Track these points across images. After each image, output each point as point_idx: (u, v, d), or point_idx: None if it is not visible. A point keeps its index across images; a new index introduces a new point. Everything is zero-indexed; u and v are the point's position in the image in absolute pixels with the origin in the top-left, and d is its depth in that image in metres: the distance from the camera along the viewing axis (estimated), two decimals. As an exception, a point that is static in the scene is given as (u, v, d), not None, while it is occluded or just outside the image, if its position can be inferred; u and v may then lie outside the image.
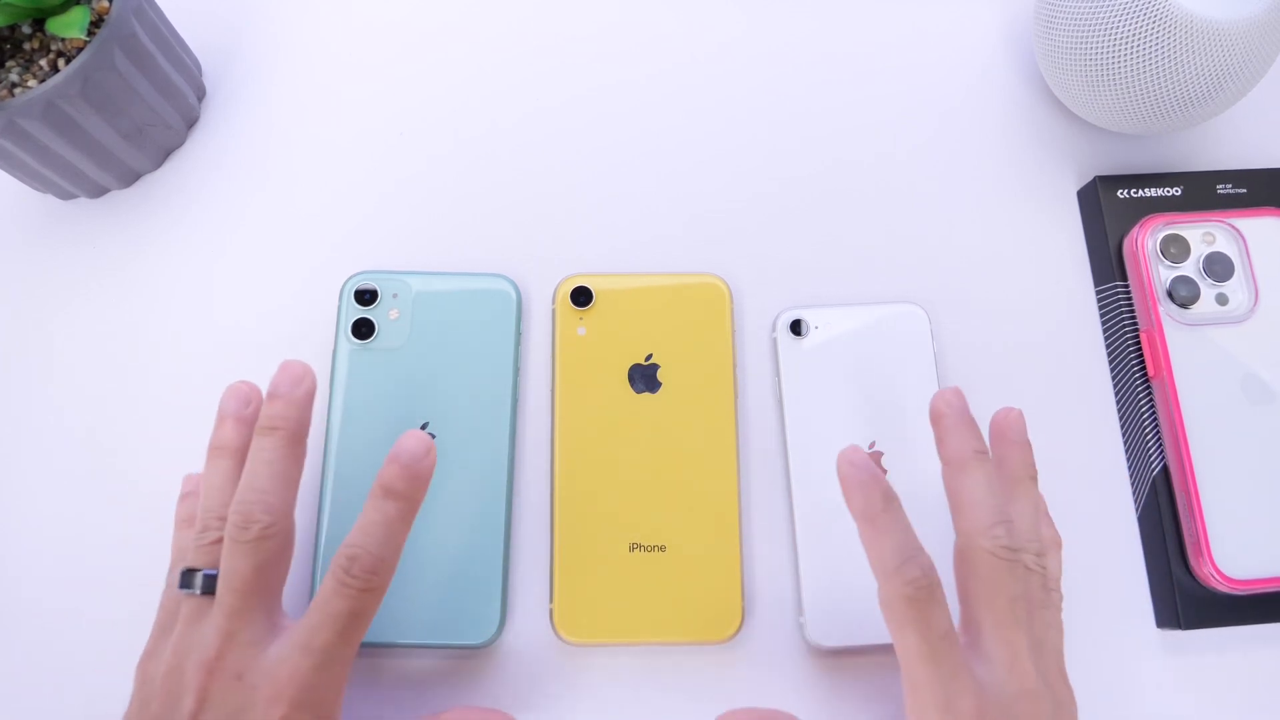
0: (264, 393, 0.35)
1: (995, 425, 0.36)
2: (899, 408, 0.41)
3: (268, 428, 0.33)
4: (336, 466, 0.40)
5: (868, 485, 0.31)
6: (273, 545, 0.31)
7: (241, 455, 0.34)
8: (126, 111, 0.42)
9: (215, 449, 0.35)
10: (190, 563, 0.33)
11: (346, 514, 0.39)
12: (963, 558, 0.32)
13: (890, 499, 0.31)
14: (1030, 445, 0.35)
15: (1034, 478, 0.35)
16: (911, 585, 0.30)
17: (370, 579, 0.31)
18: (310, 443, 0.40)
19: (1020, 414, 0.36)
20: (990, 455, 0.34)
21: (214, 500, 0.33)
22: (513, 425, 0.41)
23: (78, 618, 0.39)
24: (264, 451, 0.33)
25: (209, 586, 0.32)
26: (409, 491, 0.32)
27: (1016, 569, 0.31)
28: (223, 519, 0.33)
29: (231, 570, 0.31)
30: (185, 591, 0.32)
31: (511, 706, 0.38)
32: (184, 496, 0.38)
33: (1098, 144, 0.47)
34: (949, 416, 0.34)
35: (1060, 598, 0.34)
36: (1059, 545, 0.36)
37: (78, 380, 0.43)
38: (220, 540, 0.32)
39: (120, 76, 0.40)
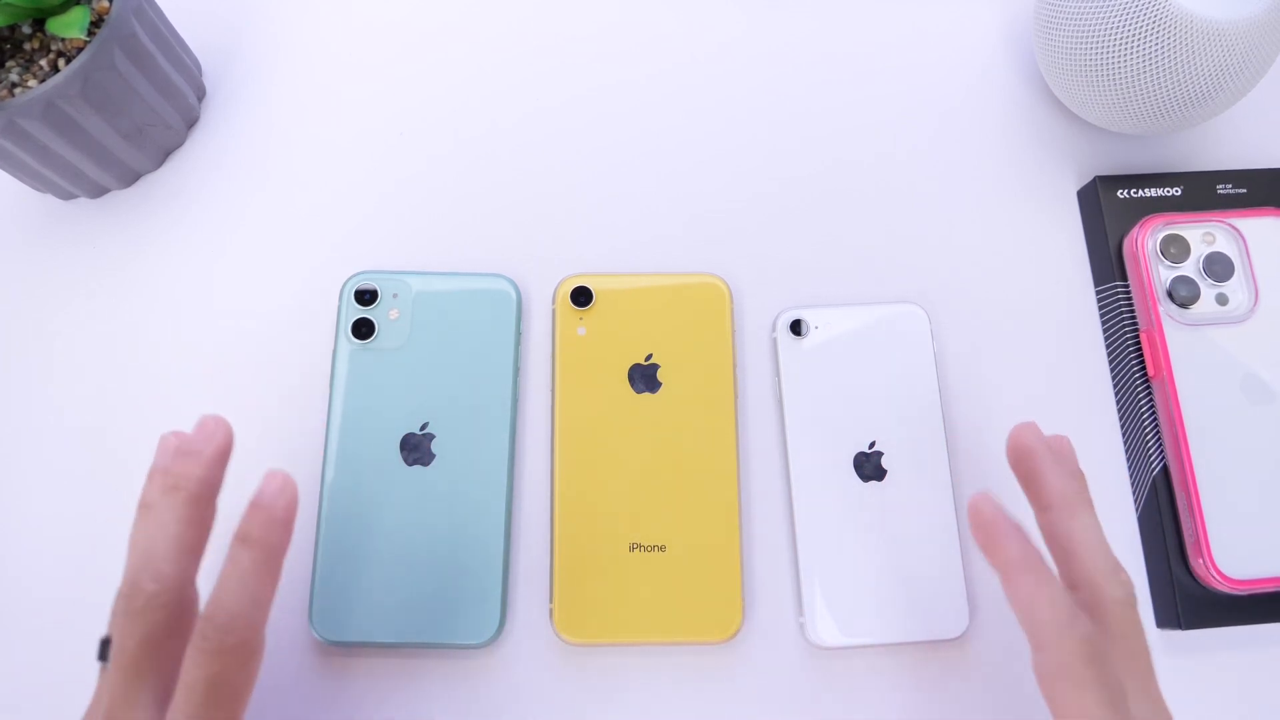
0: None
1: (1015, 449, 0.33)
2: (899, 408, 0.41)
3: (170, 487, 0.30)
4: (336, 467, 0.40)
5: (1019, 533, 0.29)
6: (161, 616, 0.28)
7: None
8: (126, 111, 0.42)
9: (142, 506, 0.31)
10: (107, 632, 0.30)
11: (345, 516, 0.39)
12: (1093, 609, 0.29)
13: (1039, 554, 0.29)
14: (1085, 476, 0.33)
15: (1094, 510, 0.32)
16: (1089, 644, 0.27)
17: (224, 638, 0.27)
18: (310, 443, 0.41)
19: (1069, 441, 0.33)
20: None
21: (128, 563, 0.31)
22: (513, 425, 0.41)
23: (78, 618, 0.39)
24: (161, 513, 0.30)
25: (104, 654, 0.30)
26: (264, 537, 0.29)
27: (1135, 615, 0.29)
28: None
29: (117, 643, 0.29)
30: (100, 664, 0.30)
31: (511, 706, 0.38)
32: (153, 473, 0.33)
33: (1098, 144, 0.47)
34: (1043, 454, 0.31)
35: None
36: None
37: (78, 380, 0.43)
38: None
39: (120, 76, 0.40)
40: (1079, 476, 0.32)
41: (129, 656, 0.28)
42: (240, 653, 0.28)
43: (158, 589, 0.29)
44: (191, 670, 0.28)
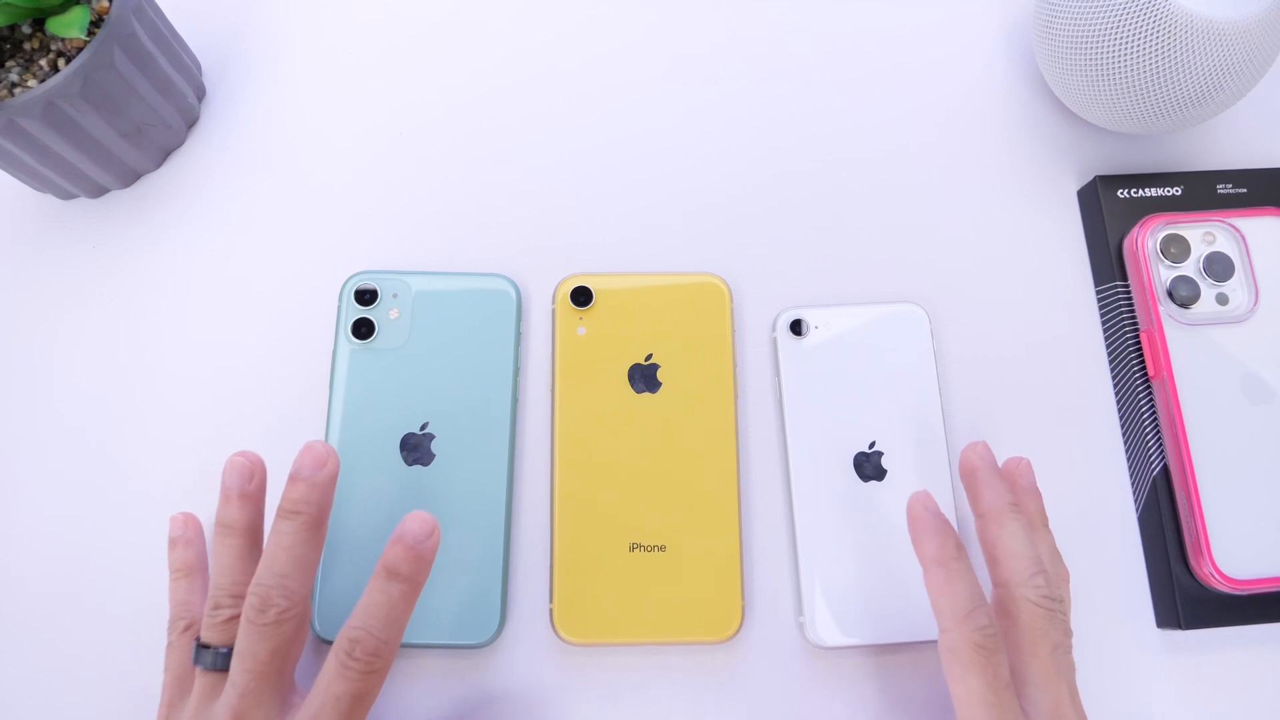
0: (264, 465, 0.36)
1: (1008, 474, 0.37)
2: (899, 408, 0.41)
3: (290, 511, 0.33)
4: (336, 466, 0.40)
5: (943, 531, 0.33)
6: (289, 629, 0.32)
7: (250, 533, 0.35)
8: (126, 111, 0.42)
9: (223, 526, 0.35)
10: (205, 638, 0.33)
11: (346, 516, 0.39)
12: (1004, 609, 0.33)
13: (961, 548, 0.33)
14: (1040, 492, 0.37)
15: (1047, 525, 0.37)
16: (980, 633, 0.31)
17: (373, 661, 0.31)
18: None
19: (1029, 462, 0.38)
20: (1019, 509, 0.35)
21: (226, 578, 0.34)
22: (513, 425, 0.41)
23: (79, 618, 0.39)
24: (285, 535, 0.32)
25: (222, 664, 0.32)
26: (412, 573, 0.32)
27: (1057, 618, 0.32)
28: (236, 597, 0.33)
29: (247, 652, 0.31)
30: (199, 667, 0.33)
31: (511, 706, 0.38)
32: (174, 542, 0.38)
33: (1098, 144, 0.47)
34: (982, 471, 0.35)
35: (1071, 633, 0.35)
36: (1068, 580, 0.37)
37: (78, 380, 0.43)
38: (234, 618, 0.33)
39: (120, 76, 0.40)
40: (1030, 492, 0.37)
41: (258, 663, 0.31)
42: (382, 675, 0.31)
43: (288, 604, 0.32)
44: (338, 685, 0.31)
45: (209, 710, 0.32)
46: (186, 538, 0.38)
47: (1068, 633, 0.33)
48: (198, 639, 0.33)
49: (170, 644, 0.36)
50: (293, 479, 0.33)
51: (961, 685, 0.31)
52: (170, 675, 0.35)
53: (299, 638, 0.33)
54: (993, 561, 0.34)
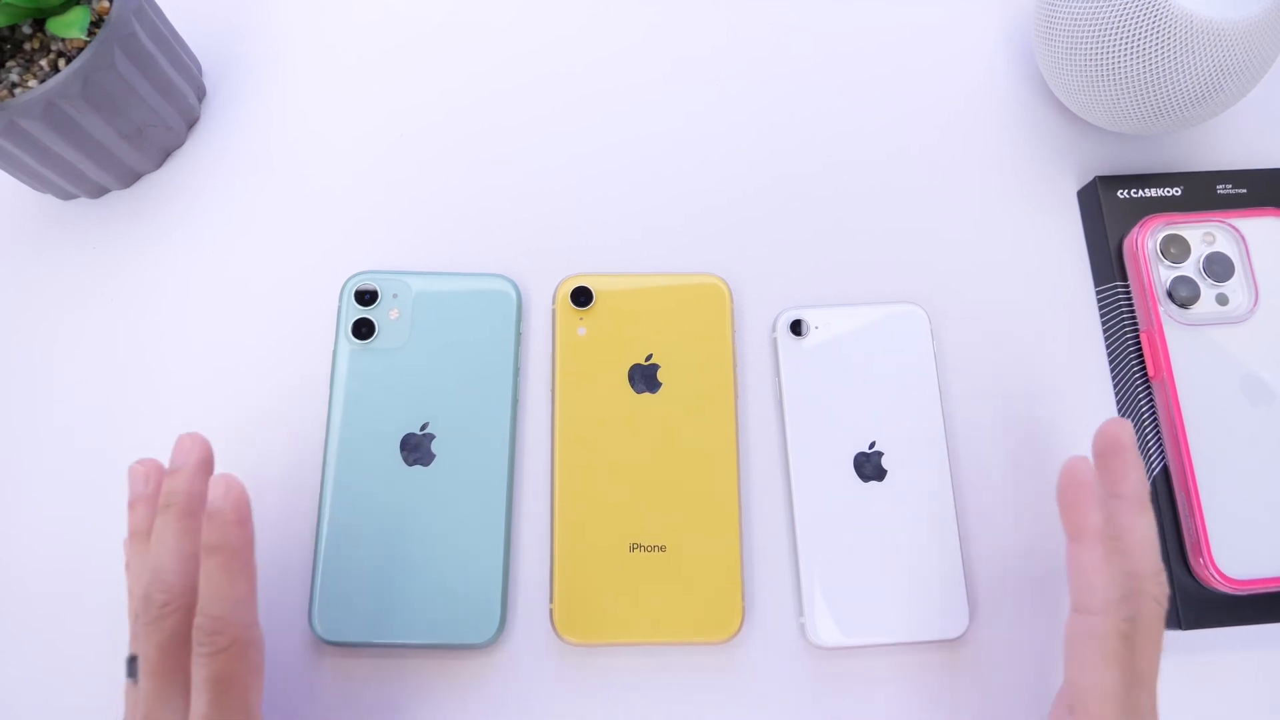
0: (161, 466, 0.35)
1: (1109, 440, 0.34)
2: (899, 408, 0.41)
3: (163, 505, 0.33)
4: (336, 467, 0.40)
5: (1101, 507, 0.31)
6: (173, 623, 0.31)
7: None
8: (126, 111, 0.42)
9: (132, 535, 0.35)
10: (131, 649, 0.32)
11: (346, 516, 0.39)
12: (1131, 600, 0.31)
13: (1118, 534, 0.31)
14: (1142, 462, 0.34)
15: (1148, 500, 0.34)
16: (1130, 623, 0.29)
17: (215, 639, 0.30)
18: (310, 443, 0.41)
19: (1129, 425, 0.34)
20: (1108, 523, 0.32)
21: (134, 587, 0.34)
22: (513, 425, 0.41)
23: (78, 618, 0.39)
24: (159, 530, 0.32)
25: (133, 671, 0.32)
26: (224, 540, 0.31)
27: (1163, 619, 0.31)
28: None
29: (142, 654, 0.31)
30: (129, 681, 0.32)
31: (512, 706, 0.38)
32: (127, 566, 0.36)
33: (1098, 144, 0.47)
34: (1126, 451, 0.33)
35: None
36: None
37: (77, 380, 0.43)
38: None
39: (120, 76, 0.40)
40: (1137, 466, 0.33)
41: (152, 664, 0.31)
42: (234, 649, 0.30)
43: (167, 598, 0.31)
44: (196, 674, 0.30)
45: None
46: (145, 499, 0.36)
47: (1162, 619, 0.32)
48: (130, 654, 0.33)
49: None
50: (165, 473, 0.33)
51: (1095, 676, 0.29)
52: (126, 699, 0.33)
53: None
54: (1125, 547, 0.31)
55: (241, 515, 0.32)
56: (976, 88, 0.48)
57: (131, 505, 0.35)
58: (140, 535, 0.34)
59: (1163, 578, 0.31)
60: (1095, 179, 0.44)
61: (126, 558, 0.36)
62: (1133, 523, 0.32)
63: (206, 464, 0.34)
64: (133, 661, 0.32)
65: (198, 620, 0.30)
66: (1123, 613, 0.29)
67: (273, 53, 0.49)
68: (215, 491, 0.32)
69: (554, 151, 0.47)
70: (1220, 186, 0.44)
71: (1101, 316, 0.44)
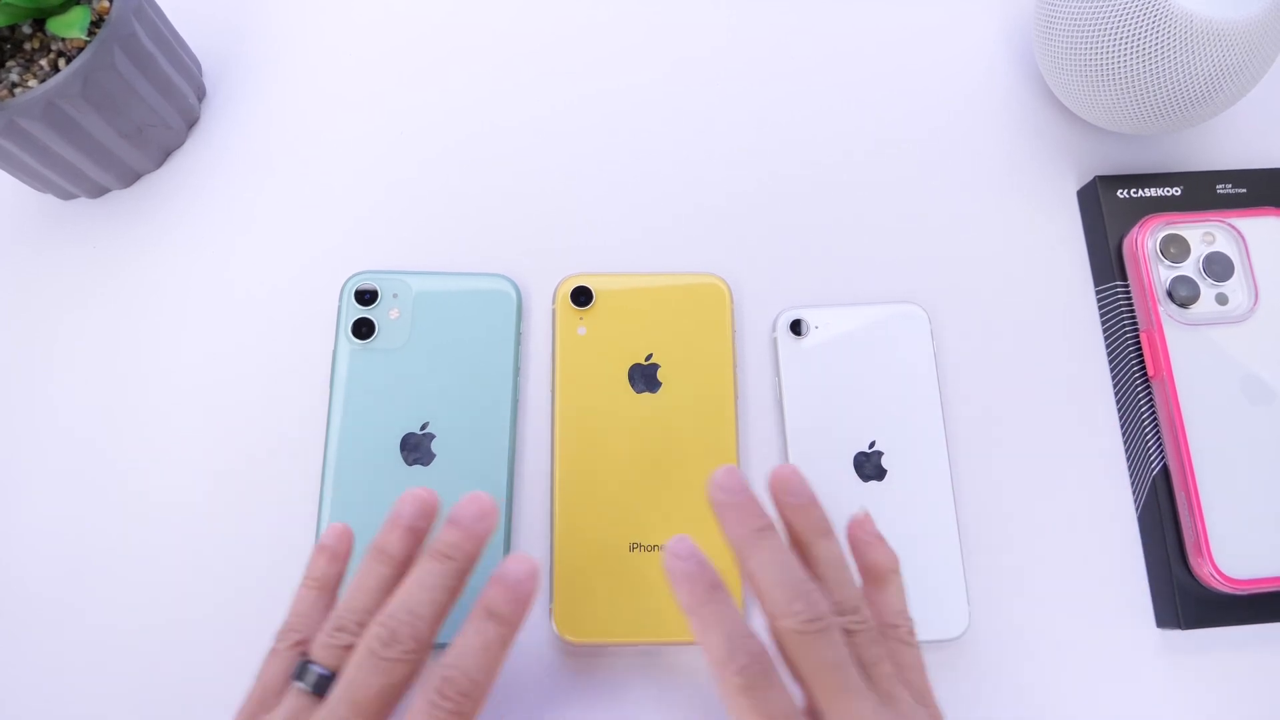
0: (439, 509, 0.34)
1: (773, 488, 0.34)
2: (899, 408, 0.41)
3: (442, 555, 0.31)
4: (336, 466, 0.40)
5: (692, 578, 0.31)
6: (405, 670, 0.30)
7: (402, 568, 0.33)
8: (126, 111, 0.42)
9: (379, 551, 0.33)
10: (316, 655, 0.31)
11: (346, 516, 0.39)
12: (776, 644, 0.31)
13: (715, 588, 0.31)
14: (816, 501, 0.33)
15: (828, 533, 0.33)
16: (743, 674, 0.29)
17: (462, 702, 0.29)
18: (310, 443, 0.41)
19: (795, 469, 0.34)
20: (776, 525, 0.32)
21: (359, 602, 0.32)
22: (513, 425, 0.41)
23: (79, 618, 0.39)
24: (430, 576, 0.31)
25: (321, 688, 0.30)
26: (512, 615, 0.31)
27: (830, 636, 0.30)
28: (362, 625, 0.31)
29: (358, 682, 0.29)
30: (297, 684, 0.30)
31: (512, 706, 0.38)
32: (321, 550, 0.35)
33: (1098, 144, 0.47)
34: (722, 504, 0.33)
35: (910, 630, 0.33)
36: (894, 569, 0.34)
37: (78, 380, 0.43)
38: (352, 646, 0.31)
39: (120, 76, 0.40)
40: (800, 507, 0.33)
41: (368, 700, 0.29)
42: (474, 714, 0.29)
43: (415, 646, 0.30)
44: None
45: None
46: (335, 551, 0.35)
47: (878, 639, 0.31)
48: (304, 654, 0.31)
49: (274, 650, 0.32)
50: (451, 522, 0.32)
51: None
52: (261, 683, 0.32)
53: (410, 684, 0.30)
54: (755, 595, 0.31)
55: (533, 599, 0.31)
56: (976, 88, 0.48)
57: (393, 525, 0.33)
58: (385, 558, 0.33)
59: (798, 603, 0.30)
60: (1095, 179, 0.44)
61: (334, 550, 0.34)
62: (747, 571, 0.31)
63: (491, 533, 0.33)
64: (309, 667, 0.30)
65: (451, 674, 0.29)
66: (730, 668, 0.29)
67: (273, 53, 0.49)
68: (521, 567, 0.31)
69: (554, 151, 0.47)
70: (1220, 186, 0.44)
71: (1101, 316, 0.44)
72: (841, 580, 0.32)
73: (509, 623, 0.31)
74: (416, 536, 0.33)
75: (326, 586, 0.34)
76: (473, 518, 0.32)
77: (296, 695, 0.30)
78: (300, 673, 0.30)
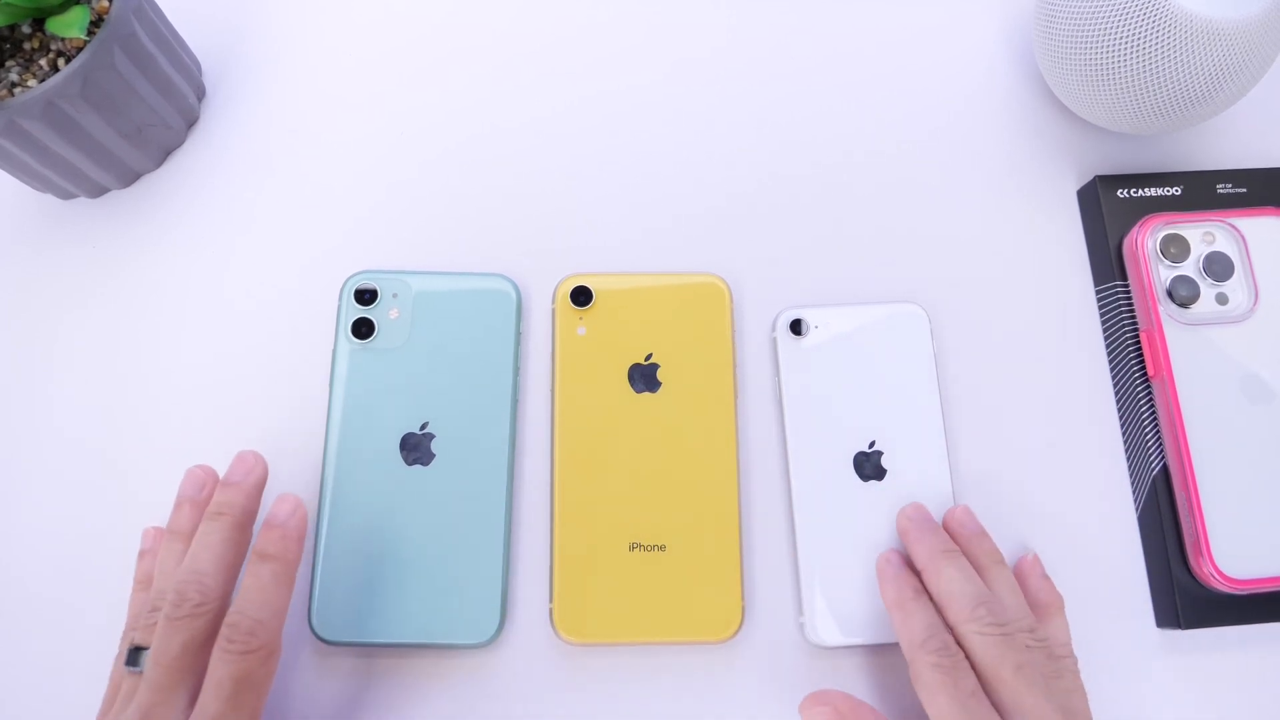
0: (218, 476, 0.37)
1: (950, 525, 0.38)
2: (899, 408, 0.41)
3: (214, 513, 0.34)
4: (336, 467, 0.40)
5: (899, 578, 0.36)
6: (201, 624, 0.32)
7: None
8: (126, 111, 0.42)
9: (171, 532, 0.36)
10: (137, 639, 0.33)
11: (346, 516, 0.39)
12: (964, 650, 0.34)
13: (920, 592, 0.36)
14: (987, 533, 0.38)
15: (1001, 562, 0.37)
16: (937, 654, 0.33)
17: (249, 640, 0.31)
18: (310, 443, 0.41)
19: (967, 508, 0.39)
20: (958, 550, 0.37)
21: (165, 582, 0.34)
22: (513, 425, 0.41)
23: (79, 618, 0.39)
24: (207, 535, 0.34)
25: (135, 660, 0.32)
26: (279, 552, 0.33)
27: (1014, 640, 0.33)
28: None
29: (159, 647, 0.31)
30: (129, 669, 0.33)
31: (511, 706, 0.38)
32: (142, 554, 0.38)
33: (1098, 144, 0.47)
34: (912, 529, 0.38)
35: (1074, 661, 0.36)
36: (1060, 607, 0.37)
37: (77, 380, 0.43)
38: None
39: (120, 76, 0.40)
40: (975, 537, 0.38)
41: (171, 658, 0.31)
42: (262, 654, 0.31)
43: (203, 599, 0.32)
44: (219, 669, 0.31)
45: (124, 710, 0.32)
46: (154, 550, 0.38)
47: (1053, 658, 0.34)
48: (131, 642, 0.33)
49: (118, 654, 0.35)
50: (220, 484, 0.35)
51: (932, 708, 0.32)
52: (111, 682, 0.34)
53: (210, 637, 0.32)
54: (941, 610, 0.35)
55: (301, 534, 0.34)
56: (976, 88, 0.48)
57: (178, 505, 0.37)
58: (179, 535, 0.36)
59: (981, 610, 0.34)
60: (1095, 178, 0.44)
61: (153, 550, 0.37)
62: (934, 586, 0.36)
63: (262, 484, 0.36)
64: (137, 652, 0.33)
65: (234, 619, 0.31)
66: (927, 649, 0.33)
67: (273, 53, 0.49)
68: (283, 507, 0.34)
69: (554, 151, 0.47)
70: (1220, 186, 0.44)
71: (1101, 316, 0.44)
72: (1018, 602, 0.36)
73: (280, 559, 0.33)
74: (200, 507, 0.36)
75: (152, 583, 0.36)
76: (241, 474, 0.35)
77: (128, 679, 0.33)
78: (130, 658, 0.33)
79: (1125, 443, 0.42)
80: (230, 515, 0.34)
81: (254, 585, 0.33)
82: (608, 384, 0.41)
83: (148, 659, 0.32)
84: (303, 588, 0.39)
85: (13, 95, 0.38)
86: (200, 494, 0.37)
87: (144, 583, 0.37)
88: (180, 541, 0.35)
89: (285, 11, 0.50)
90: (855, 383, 0.41)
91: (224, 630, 0.31)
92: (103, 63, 0.39)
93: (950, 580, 0.35)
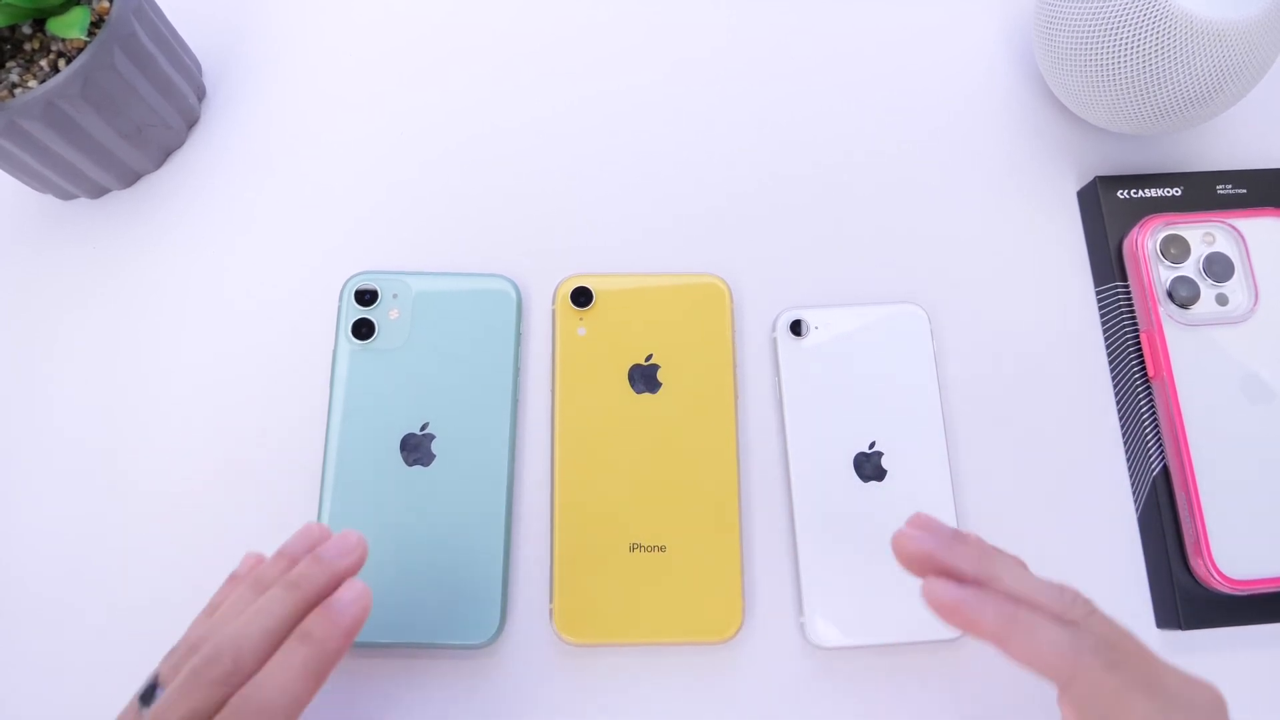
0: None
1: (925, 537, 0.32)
2: (899, 408, 0.41)
3: (291, 583, 0.31)
4: (336, 467, 0.40)
5: (981, 601, 0.29)
6: (218, 695, 0.28)
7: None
8: (126, 111, 0.42)
9: (256, 579, 0.32)
10: (162, 676, 0.30)
11: (346, 516, 0.39)
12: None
13: (1017, 601, 0.29)
14: (959, 534, 0.33)
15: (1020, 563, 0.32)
16: (1096, 652, 0.28)
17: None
18: (310, 443, 0.41)
19: (920, 516, 0.33)
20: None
21: (217, 629, 0.31)
22: (513, 425, 0.41)
23: (79, 618, 0.39)
24: (270, 603, 0.30)
25: (149, 700, 0.29)
26: (326, 639, 0.30)
27: (1099, 615, 0.30)
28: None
29: (168, 699, 0.28)
30: (140, 705, 0.29)
31: (511, 706, 0.38)
32: (233, 578, 0.35)
33: (1098, 144, 0.47)
34: (938, 550, 0.31)
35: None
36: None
37: (77, 380, 0.43)
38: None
39: (120, 76, 0.40)
40: (977, 543, 0.32)
41: (175, 716, 0.28)
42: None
43: (235, 669, 0.29)
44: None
45: None
46: (245, 580, 0.34)
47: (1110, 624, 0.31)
48: (156, 675, 0.30)
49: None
50: (313, 555, 0.32)
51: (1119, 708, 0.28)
52: (129, 706, 0.30)
53: (219, 710, 0.28)
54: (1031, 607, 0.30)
55: (354, 627, 0.30)
56: (976, 88, 0.48)
57: (279, 555, 0.33)
58: (260, 585, 0.32)
59: (1067, 593, 0.30)
60: (1095, 179, 0.44)
61: (244, 580, 0.33)
62: (1010, 590, 0.30)
63: (352, 572, 0.32)
64: (153, 691, 0.30)
65: (250, 690, 0.28)
66: (1085, 651, 0.28)
67: (273, 53, 0.49)
68: (349, 592, 0.31)
69: (554, 152, 0.47)
70: (1220, 186, 0.44)
71: (1101, 316, 0.44)
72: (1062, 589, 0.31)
73: (321, 645, 0.29)
74: (286, 569, 0.32)
75: (214, 611, 0.33)
76: (337, 554, 0.32)
77: (134, 711, 0.29)
78: (144, 694, 0.30)
79: (1125, 443, 0.42)
80: (304, 592, 0.30)
81: (281, 665, 0.29)
82: (608, 384, 0.41)
83: (153, 707, 0.29)
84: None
85: (13, 96, 0.38)
86: (296, 552, 0.33)
87: (211, 611, 0.34)
88: (247, 590, 0.32)
89: (285, 11, 0.50)
90: (855, 383, 0.41)
91: (237, 700, 0.28)
92: (103, 63, 0.39)
93: (1018, 580, 0.30)
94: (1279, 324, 0.41)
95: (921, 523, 0.32)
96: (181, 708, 0.28)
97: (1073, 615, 0.29)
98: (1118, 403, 0.43)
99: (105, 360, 0.43)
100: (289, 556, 0.33)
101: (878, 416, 0.41)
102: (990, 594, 0.30)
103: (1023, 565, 0.32)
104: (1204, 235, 0.42)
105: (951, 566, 0.31)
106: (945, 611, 0.30)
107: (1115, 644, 0.29)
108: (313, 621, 0.30)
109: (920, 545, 0.31)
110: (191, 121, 0.47)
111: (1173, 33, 0.38)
